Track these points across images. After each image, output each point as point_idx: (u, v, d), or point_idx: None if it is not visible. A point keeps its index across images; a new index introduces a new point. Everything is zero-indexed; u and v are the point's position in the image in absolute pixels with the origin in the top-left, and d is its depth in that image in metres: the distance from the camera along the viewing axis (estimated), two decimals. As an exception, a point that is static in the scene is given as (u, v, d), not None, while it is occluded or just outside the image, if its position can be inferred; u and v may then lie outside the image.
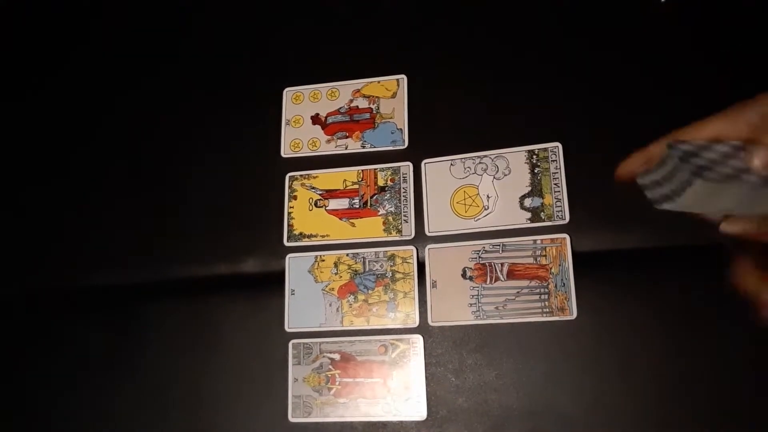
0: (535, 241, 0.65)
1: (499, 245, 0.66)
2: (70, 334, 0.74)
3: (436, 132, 0.71)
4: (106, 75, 0.83)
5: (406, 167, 0.71)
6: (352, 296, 0.69)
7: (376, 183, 0.71)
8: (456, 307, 0.66)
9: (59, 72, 0.84)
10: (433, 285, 0.67)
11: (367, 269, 0.69)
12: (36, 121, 0.83)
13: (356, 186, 0.72)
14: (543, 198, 0.66)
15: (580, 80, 0.67)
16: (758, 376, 0.58)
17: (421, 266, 0.68)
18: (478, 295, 0.65)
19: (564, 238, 0.65)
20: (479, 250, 0.67)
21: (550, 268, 0.65)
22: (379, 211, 0.71)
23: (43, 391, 0.73)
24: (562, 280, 0.64)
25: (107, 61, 0.83)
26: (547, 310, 0.64)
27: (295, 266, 0.71)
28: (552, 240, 0.65)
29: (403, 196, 0.70)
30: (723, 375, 0.59)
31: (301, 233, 0.72)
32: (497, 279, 0.65)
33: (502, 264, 0.66)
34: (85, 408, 0.71)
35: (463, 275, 0.66)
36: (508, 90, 0.70)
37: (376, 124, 0.73)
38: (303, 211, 0.72)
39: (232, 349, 0.70)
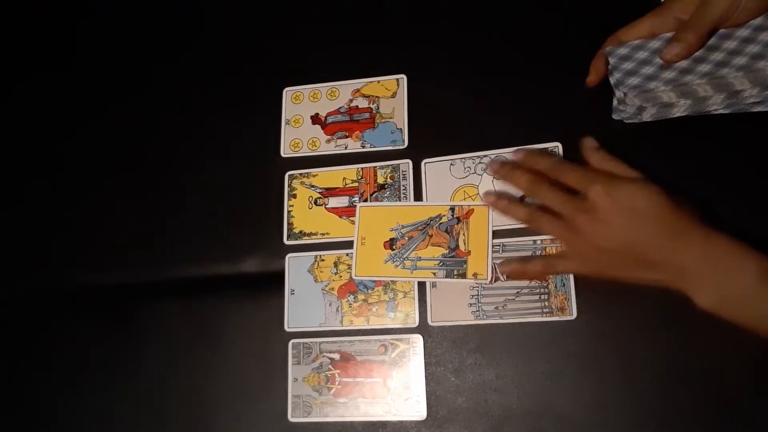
0: (534, 241, 0.65)
1: (500, 245, 0.66)
2: (70, 334, 0.74)
3: (436, 132, 0.71)
4: (106, 75, 0.83)
5: (406, 164, 0.71)
6: (351, 296, 0.69)
7: (375, 180, 0.71)
8: (456, 307, 0.66)
9: (59, 72, 0.84)
10: (433, 285, 0.67)
11: (367, 269, 0.69)
12: (35, 121, 0.83)
13: (356, 184, 0.72)
14: (543, 198, 0.66)
15: (580, 80, 0.67)
16: (758, 376, 0.58)
17: (421, 266, 0.68)
18: (478, 295, 0.65)
19: None
20: (480, 250, 0.67)
21: (550, 269, 0.65)
22: (378, 209, 0.71)
23: (43, 391, 0.73)
24: (562, 280, 0.64)
25: (107, 61, 0.83)
26: (547, 310, 0.63)
27: (295, 266, 0.71)
28: (552, 240, 0.65)
29: (403, 193, 0.70)
30: (723, 375, 0.59)
31: (301, 231, 0.72)
32: (497, 279, 0.65)
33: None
34: (85, 408, 0.71)
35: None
36: (508, 90, 0.70)
37: (376, 124, 0.73)
38: (303, 209, 0.72)
39: (232, 349, 0.70)
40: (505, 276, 0.65)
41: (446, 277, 0.65)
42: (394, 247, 0.67)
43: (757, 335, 0.52)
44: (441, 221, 0.66)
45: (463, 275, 0.65)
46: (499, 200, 0.63)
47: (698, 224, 0.54)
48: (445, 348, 0.66)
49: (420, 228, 0.67)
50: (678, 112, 0.62)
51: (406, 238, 0.67)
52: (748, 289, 0.50)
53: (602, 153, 0.61)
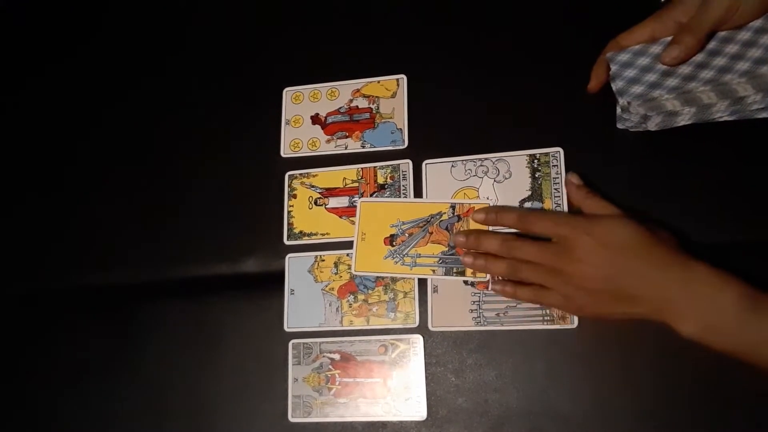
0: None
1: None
2: (70, 334, 0.74)
3: (436, 132, 0.71)
4: (105, 75, 0.83)
5: (406, 165, 0.71)
6: (351, 296, 0.69)
7: (375, 181, 0.71)
8: (457, 312, 0.65)
9: (59, 73, 0.84)
10: (435, 290, 0.67)
11: (366, 269, 0.69)
12: (35, 121, 0.83)
13: (356, 184, 0.72)
14: (543, 203, 0.66)
15: (582, 82, 0.67)
16: (758, 377, 0.58)
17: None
18: (479, 301, 0.65)
19: None
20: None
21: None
22: (378, 209, 0.71)
23: (43, 391, 0.73)
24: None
25: (107, 61, 0.83)
26: (548, 318, 0.63)
27: (295, 266, 0.71)
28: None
29: (403, 194, 0.70)
30: (723, 375, 0.59)
31: (301, 231, 0.72)
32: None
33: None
34: (85, 408, 0.72)
35: (465, 281, 0.66)
36: (508, 90, 0.70)
37: (376, 124, 0.73)
38: (303, 209, 0.72)
39: (232, 349, 0.70)
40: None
41: (445, 274, 0.66)
42: (394, 243, 0.67)
43: (747, 366, 0.51)
44: (442, 219, 0.67)
45: (462, 273, 0.65)
46: (476, 260, 0.63)
47: (677, 253, 0.54)
48: (445, 348, 0.66)
49: (420, 225, 0.67)
50: (683, 120, 0.61)
51: (407, 235, 0.67)
52: (729, 317, 0.50)
53: (584, 190, 0.61)
